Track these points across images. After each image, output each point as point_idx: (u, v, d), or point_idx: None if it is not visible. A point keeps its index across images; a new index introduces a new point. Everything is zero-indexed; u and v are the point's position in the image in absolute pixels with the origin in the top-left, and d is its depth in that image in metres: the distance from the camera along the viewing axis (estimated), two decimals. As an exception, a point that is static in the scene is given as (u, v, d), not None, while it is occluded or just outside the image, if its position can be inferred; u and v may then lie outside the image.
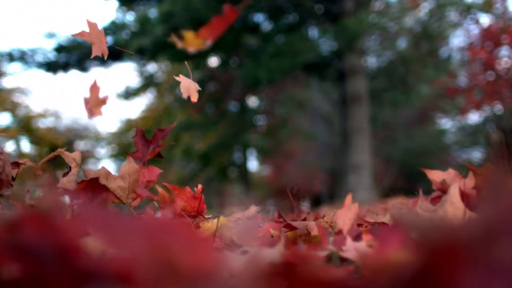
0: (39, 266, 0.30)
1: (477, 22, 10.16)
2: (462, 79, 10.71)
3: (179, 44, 0.53)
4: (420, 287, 0.29)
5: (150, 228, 0.32)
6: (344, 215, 0.82)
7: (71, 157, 0.93)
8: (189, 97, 1.02)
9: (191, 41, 0.50)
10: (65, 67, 10.93)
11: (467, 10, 10.13)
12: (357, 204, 0.83)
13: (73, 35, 0.96)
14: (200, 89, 1.08)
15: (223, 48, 10.23)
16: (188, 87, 1.05)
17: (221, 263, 0.32)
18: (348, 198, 0.84)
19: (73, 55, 10.83)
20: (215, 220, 0.93)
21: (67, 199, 0.88)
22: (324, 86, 13.26)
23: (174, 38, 0.50)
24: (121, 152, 19.75)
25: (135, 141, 1.05)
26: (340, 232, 0.80)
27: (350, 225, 0.82)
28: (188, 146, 14.06)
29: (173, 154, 15.14)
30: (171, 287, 0.29)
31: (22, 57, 10.80)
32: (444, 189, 0.93)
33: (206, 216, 1.02)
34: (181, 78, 1.05)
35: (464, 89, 10.17)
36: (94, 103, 0.95)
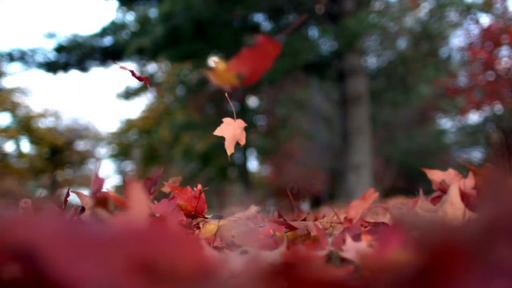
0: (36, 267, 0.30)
1: (477, 22, 10.15)
2: (462, 79, 10.70)
3: (214, 81, 0.47)
4: (420, 287, 0.29)
5: (128, 237, 0.30)
6: (359, 205, 0.83)
7: (87, 200, 0.91)
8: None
9: (223, 75, 0.45)
10: (65, 67, 10.93)
11: (467, 10, 10.12)
12: (377, 194, 0.84)
13: (120, 67, 0.91)
14: (246, 125, 0.95)
15: (223, 48, 10.23)
16: (233, 134, 0.91)
17: (212, 270, 0.31)
18: (370, 191, 0.85)
19: (73, 55, 10.83)
20: (216, 221, 0.93)
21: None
22: (324, 86, 13.26)
23: (207, 73, 0.46)
24: (121, 152, 19.77)
25: (126, 195, 1.04)
26: (350, 221, 0.80)
27: (362, 215, 0.82)
28: (188, 146, 14.07)
29: (173, 154, 15.14)
30: None
31: (22, 57, 10.80)
32: (444, 189, 0.93)
33: (206, 216, 1.02)
34: (224, 129, 0.90)
35: (464, 89, 10.17)
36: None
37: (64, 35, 11.00)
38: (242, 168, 15.59)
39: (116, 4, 13.11)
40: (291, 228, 0.86)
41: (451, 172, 0.95)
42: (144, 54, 10.49)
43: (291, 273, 0.30)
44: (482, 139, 14.03)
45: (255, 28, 10.61)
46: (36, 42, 24.13)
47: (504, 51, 9.51)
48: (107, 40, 10.94)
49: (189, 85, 12.98)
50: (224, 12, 9.38)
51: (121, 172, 20.95)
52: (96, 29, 16.87)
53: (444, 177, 0.94)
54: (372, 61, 13.07)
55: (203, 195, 1.02)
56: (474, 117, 13.91)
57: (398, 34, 11.40)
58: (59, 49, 10.74)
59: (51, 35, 10.94)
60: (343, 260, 0.63)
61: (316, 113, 15.02)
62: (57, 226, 0.29)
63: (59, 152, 17.53)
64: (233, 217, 1.03)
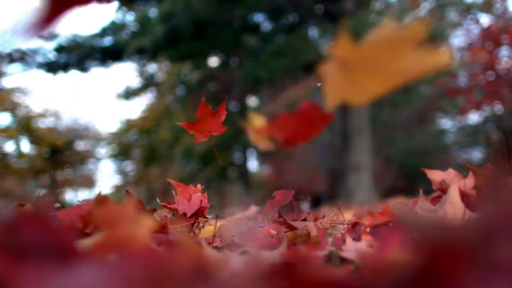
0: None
1: (477, 22, 10.15)
2: (462, 79, 10.70)
3: (251, 137, 0.44)
4: (420, 287, 0.29)
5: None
6: (381, 216, 0.84)
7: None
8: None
9: (258, 132, 0.43)
10: (65, 67, 10.93)
11: (467, 10, 10.12)
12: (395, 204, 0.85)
13: (178, 124, 0.93)
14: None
15: (223, 48, 10.23)
16: None
17: (211, 271, 0.31)
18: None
19: (73, 55, 10.84)
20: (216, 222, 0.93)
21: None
22: (324, 86, 13.25)
23: (246, 126, 0.43)
24: (121, 152, 19.76)
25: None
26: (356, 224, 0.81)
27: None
28: (188, 146, 14.07)
29: (173, 154, 15.14)
30: None
31: (22, 57, 10.80)
32: (444, 189, 0.93)
33: (206, 216, 1.02)
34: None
35: (464, 89, 10.17)
36: None
37: (64, 35, 11.00)
38: (242, 168, 15.58)
39: (116, 4, 13.11)
40: (291, 228, 0.86)
41: (451, 172, 0.95)
42: (144, 54, 10.49)
43: (291, 273, 0.30)
44: (482, 139, 14.03)
45: (255, 28, 10.62)
46: (36, 42, 24.11)
47: (504, 51, 9.51)
48: (107, 40, 10.94)
49: (189, 85, 12.98)
50: (224, 12, 9.38)
51: (121, 172, 20.95)
52: (96, 29, 16.87)
53: (444, 177, 0.94)
54: (372, 61, 13.05)
55: (205, 194, 1.02)
56: (474, 117, 13.91)
57: (398, 34, 11.38)
58: (59, 49, 10.74)
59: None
60: (343, 260, 0.63)
61: (316, 113, 14.98)
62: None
63: (59, 152, 17.53)
64: (233, 217, 1.03)
